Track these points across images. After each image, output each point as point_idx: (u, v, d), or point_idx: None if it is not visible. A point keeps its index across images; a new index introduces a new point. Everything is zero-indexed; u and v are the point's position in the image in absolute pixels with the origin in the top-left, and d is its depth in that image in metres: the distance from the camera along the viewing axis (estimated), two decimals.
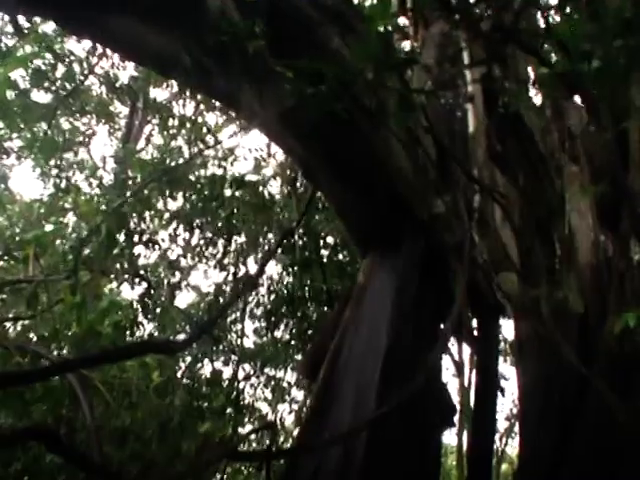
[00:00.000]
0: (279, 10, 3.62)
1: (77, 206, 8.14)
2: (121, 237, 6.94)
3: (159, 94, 10.76)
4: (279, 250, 6.90)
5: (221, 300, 7.67)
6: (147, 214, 7.33)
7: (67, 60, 9.39)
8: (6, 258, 5.62)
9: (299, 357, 7.89)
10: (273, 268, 7.81)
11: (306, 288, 7.27)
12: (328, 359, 4.07)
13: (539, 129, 5.39)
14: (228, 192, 7.49)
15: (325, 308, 7.20)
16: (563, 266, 4.46)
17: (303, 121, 3.68)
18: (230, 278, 7.78)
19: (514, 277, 4.21)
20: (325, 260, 7.25)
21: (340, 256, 7.41)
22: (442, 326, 4.30)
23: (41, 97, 9.67)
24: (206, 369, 7.95)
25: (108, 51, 9.21)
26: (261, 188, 7.65)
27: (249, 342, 8.50)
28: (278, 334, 8.02)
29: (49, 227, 7.93)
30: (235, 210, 7.20)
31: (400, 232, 4.15)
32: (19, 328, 5.85)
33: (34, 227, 7.46)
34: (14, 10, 3.11)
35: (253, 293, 7.81)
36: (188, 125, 10.00)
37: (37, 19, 5.98)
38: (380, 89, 3.95)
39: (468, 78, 4.57)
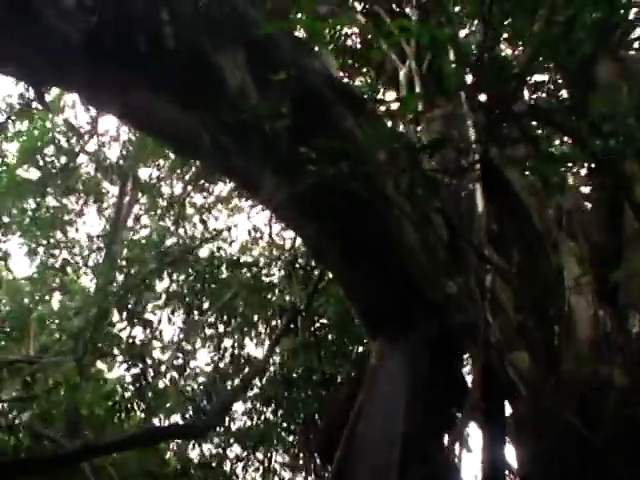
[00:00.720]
0: (296, 89, 3.69)
1: (66, 285, 8.14)
2: (116, 317, 6.88)
3: (148, 173, 10.95)
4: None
5: (218, 382, 7.55)
6: (143, 294, 7.28)
7: (57, 137, 9.54)
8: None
9: (290, 439, 7.77)
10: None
11: (301, 370, 7.22)
12: (343, 443, 4.01)
13: (535, 207, 5.51)
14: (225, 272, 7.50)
15: (321, 391, 7.12)
16: (562, 341, 4.50)
17: (318, 201, 3.73)
18: (229, 359, 7.70)
19: (525, 355, 4.22)
20: (322, 342, 7.22)
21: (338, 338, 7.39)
22: (454, 408, 4.28)
23: (28, 173, 9.79)
24: (196, 451, 7.80)
25: (99, 129, 9.54)
26: (258, 270, 7.66)
27: (239, 423, 8.37)
28: (270, 415, 7.90)
29: (40, 307, 7.87)
30: (233, 293, 7.18)
31: (412, 313, 4.12)
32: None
33: (22, 306, 7.39)
34: (38, 81, 3.14)
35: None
36: (176, 206, 10.16)
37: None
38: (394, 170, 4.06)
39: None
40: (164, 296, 7.65)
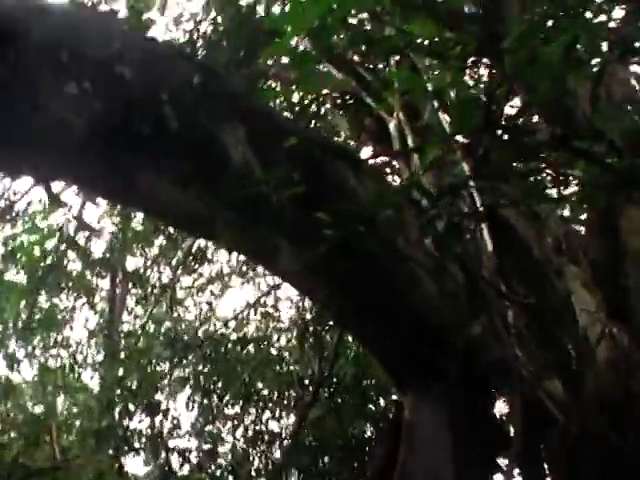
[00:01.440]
0: (297, 156, 3.74)
1: (69, 385, 8.03)
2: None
3: (136, 262, 10.94)
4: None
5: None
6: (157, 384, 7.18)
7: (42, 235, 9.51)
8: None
9: None
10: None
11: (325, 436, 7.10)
12: None
13: (533, 238, 5.60)
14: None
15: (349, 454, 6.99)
16: (581, 364, 4.52)
17: (331, 265, 3.74)
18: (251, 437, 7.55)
19: (558, 384, 4.23)
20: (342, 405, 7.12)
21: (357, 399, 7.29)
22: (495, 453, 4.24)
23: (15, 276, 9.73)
24: None
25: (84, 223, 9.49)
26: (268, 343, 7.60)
27: None
28: None
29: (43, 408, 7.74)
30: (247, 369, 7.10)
31: (440, 361, 4.08)
32: None
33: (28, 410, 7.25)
34: (43, 177, 3.12)
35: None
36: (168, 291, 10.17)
37: None
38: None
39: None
40: (178, 382, 7.55)
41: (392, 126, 4.76)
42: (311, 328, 7.02)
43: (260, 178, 3.46)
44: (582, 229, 6.83)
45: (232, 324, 8.85)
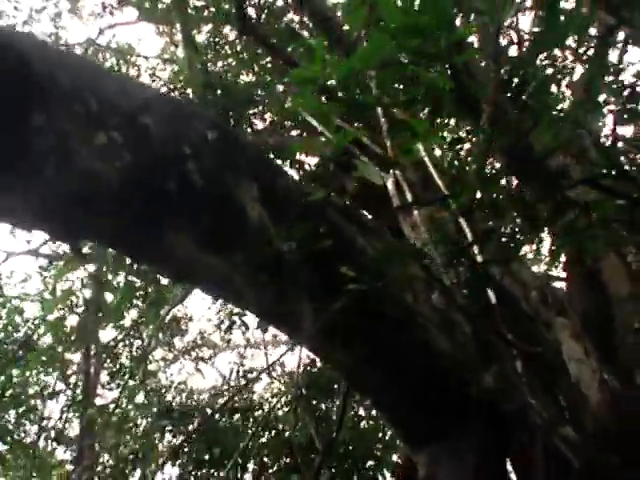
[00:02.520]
0: (310, 214, 3.75)
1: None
2: None
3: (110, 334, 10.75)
4: None
5: None
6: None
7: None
8: None
9: None
10: None
11: None
12: None
13: (520, 292, 5.70)
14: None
15: None
16: (575, 410, 4.59)
17: (348, 325, 3.73)
18: None
19: (570, 429, 4.24)
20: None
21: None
22: None
23: None
24: None
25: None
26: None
27: None
28: None
29: None
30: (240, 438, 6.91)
31: (453, 414, 4.09)
32: None
33: None
34: (71, 235, 3.02)
35: None
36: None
37: None
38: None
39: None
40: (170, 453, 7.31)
41: (390, 182, 4.82)
42: (305, 394, 6.90)
43: (279, 236, 3.47)
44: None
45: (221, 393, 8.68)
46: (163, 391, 9.74)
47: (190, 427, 7.37)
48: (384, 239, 4.29)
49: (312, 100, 2.87)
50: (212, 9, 8.10)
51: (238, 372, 9.18)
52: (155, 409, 7.10)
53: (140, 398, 9.15)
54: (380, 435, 7.22)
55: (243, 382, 8.83)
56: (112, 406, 9.27)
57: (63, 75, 2.60)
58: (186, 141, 3.10)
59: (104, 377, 10.79)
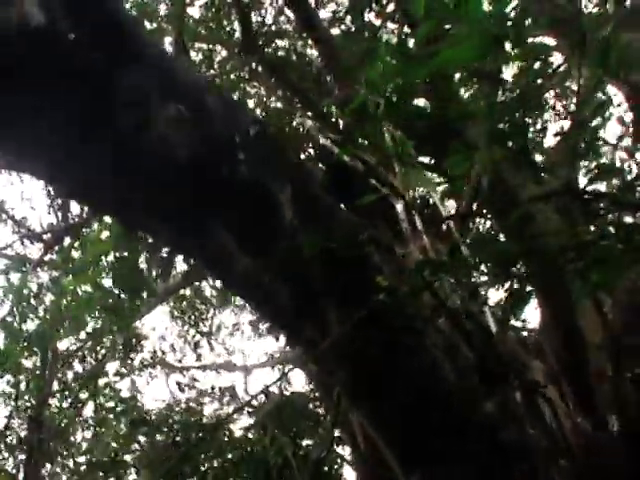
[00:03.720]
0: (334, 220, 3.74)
1: None
2: None
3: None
4: None
5: None
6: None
7: None
8: None
9: None
10: None
11: None
12: None
13: (498, 334, 5.76)
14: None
15: None
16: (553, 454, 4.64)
17: (359, 343, 3.71)
18: None
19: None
20: None
21: None
22: None
23: None
24: None
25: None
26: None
27: None
28: None
29: None
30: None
31: (452, 439, 4.07)
32: None
33: None
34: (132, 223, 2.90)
35: None
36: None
37: None
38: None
39: None
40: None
41: (399, 207, 4.86)
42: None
43: (308, 242, 3.43)
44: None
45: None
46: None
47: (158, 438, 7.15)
48: (396, 260, 4.30)
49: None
50: (212, 24, 8.12)
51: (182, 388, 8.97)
52: (128, 418, 6.86)
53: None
54: None
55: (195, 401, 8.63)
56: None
57: (143, 41, 2.57)
58: (236, 130, 3.07)
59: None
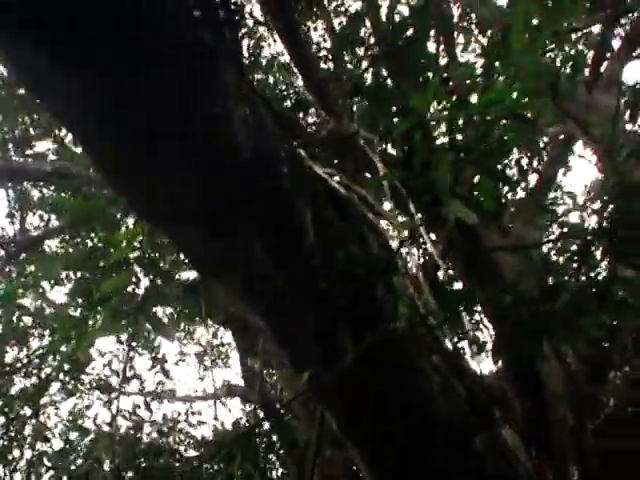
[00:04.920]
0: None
1: None
2: None
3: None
4: None
5: None
6: None
7: None
8: None
9: None
10: None
11: None
12: None
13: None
14: None
15: None
16: None
17: (360, 375, 3.73)
18: None
19: None
20: None
21: None
22: None
23: None
24: None
25: None
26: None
27: None
28: None
29: None
30: None
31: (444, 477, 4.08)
32: None
33: None
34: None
35: None
36: None
37: None
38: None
39: None
40: None
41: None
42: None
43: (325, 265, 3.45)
44: None
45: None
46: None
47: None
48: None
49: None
50: None
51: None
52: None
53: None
54: None
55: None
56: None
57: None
58: (279, 144, 3.09)
59: None
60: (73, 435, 10.01)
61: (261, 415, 6.67)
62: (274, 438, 7.02)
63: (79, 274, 8.89)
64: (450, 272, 7.84)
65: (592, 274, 4.77)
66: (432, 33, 8.15)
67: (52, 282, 9.75)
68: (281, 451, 7.29)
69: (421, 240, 5.42)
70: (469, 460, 4.12)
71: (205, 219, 2.80)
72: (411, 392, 4.06)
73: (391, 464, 4.17)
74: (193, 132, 2.32)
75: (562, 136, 9.01)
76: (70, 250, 9.75)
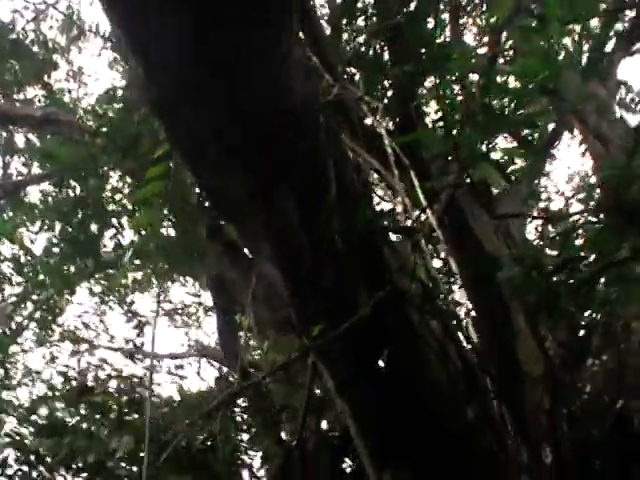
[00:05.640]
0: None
1: None
2: None
3: None
4: None
5: None
6: None
7: None
8: None
9: None
10: None
11: None
12: None
13: None
14: None
15: None
16: None
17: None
18: None
19: None
20: None
21: None
22: None
23: None
24: None
25: None
26: None
27: None
28: None
29: None
30: None
31: (432, 445, 4.13)
32: None
33: None
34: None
35: None
36: None
37: None
38: None
39: None
40: None
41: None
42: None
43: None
44: None
45: None
46: None
47: None
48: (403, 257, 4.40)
49: None
50: None
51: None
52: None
53: None
54: None
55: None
56: None
57: None
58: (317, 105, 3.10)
59: None
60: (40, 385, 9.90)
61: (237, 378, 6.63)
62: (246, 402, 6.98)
63: (59, 225, 8.79)
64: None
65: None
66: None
67: (31, 230, 9.62)
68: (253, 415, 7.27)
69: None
70: (460, 429, 4.18)
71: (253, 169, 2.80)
72: (410, 356, 4.11)
73: (383, 428, 4.22)
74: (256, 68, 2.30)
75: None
76: (51, 199, 9.60)
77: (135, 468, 6.16)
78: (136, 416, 7.16)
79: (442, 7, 8.76)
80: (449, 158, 4.27)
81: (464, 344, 4.54)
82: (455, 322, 4.50)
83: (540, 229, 9.07)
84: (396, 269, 4.25)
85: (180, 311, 13.44)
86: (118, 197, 9.20)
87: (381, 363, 4.00)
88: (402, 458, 4.21)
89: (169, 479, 5.12)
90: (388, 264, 4.06)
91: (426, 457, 4.14)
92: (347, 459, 6.58)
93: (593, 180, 10.47)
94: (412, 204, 5.27)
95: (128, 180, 9.12)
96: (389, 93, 7.86)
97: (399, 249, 4.55)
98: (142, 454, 5.59)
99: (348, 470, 6.43)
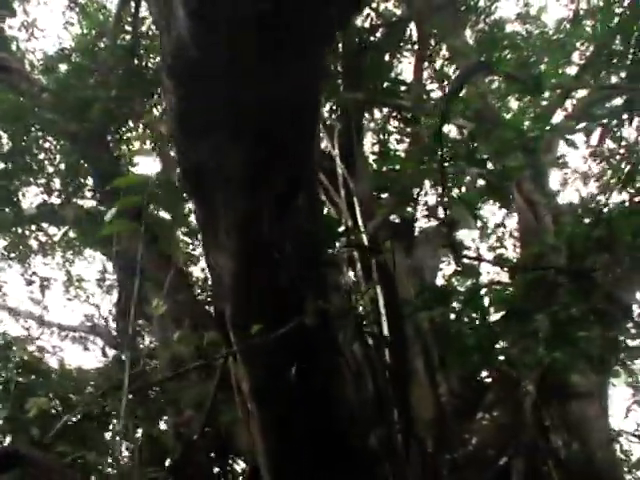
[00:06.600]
0: None
1: None
2: None
3: None
4: None
5: None
6: None
7: None
8: None
9: None
10: None
11: None
12: None
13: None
14: None
15: None
16: None
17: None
18: None
19: None
20: None
21: None
22: None
23: None
24: None
25: None
26: None
27: None
28: None
29: None
30: None
31: (330, 462, 4.16)
32: None
33: None
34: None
35: None
36: None
37: None
38: None
39: None
40: None
41: None
42: None
43: None
44: None
45: None
46: None
47: None
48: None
49: None
50: None
51: None
52: None
53: None
54: None
55: None
56: None
57: None
58: None
59: None
60: None
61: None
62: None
63: None
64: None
65: None
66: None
67: None
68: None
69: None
70: (362, 453, 4.23)
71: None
72: (328, 372, 4.12)
73: (288, 439, 4.20)
74: None
75: None
76: None
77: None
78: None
79: (407, 47, 9.08)
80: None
81: (380, 371, 4.64)
82: (379, 348, 4.58)
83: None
84: (331, 285, 4.30)
85: (77, 283, 13.02)
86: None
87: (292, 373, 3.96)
88: (300, 473, 4.23)
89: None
90: (327, 279, 4.12)
91: (324, 475, 4.16)
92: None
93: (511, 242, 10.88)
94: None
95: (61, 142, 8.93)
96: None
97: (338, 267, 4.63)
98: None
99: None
